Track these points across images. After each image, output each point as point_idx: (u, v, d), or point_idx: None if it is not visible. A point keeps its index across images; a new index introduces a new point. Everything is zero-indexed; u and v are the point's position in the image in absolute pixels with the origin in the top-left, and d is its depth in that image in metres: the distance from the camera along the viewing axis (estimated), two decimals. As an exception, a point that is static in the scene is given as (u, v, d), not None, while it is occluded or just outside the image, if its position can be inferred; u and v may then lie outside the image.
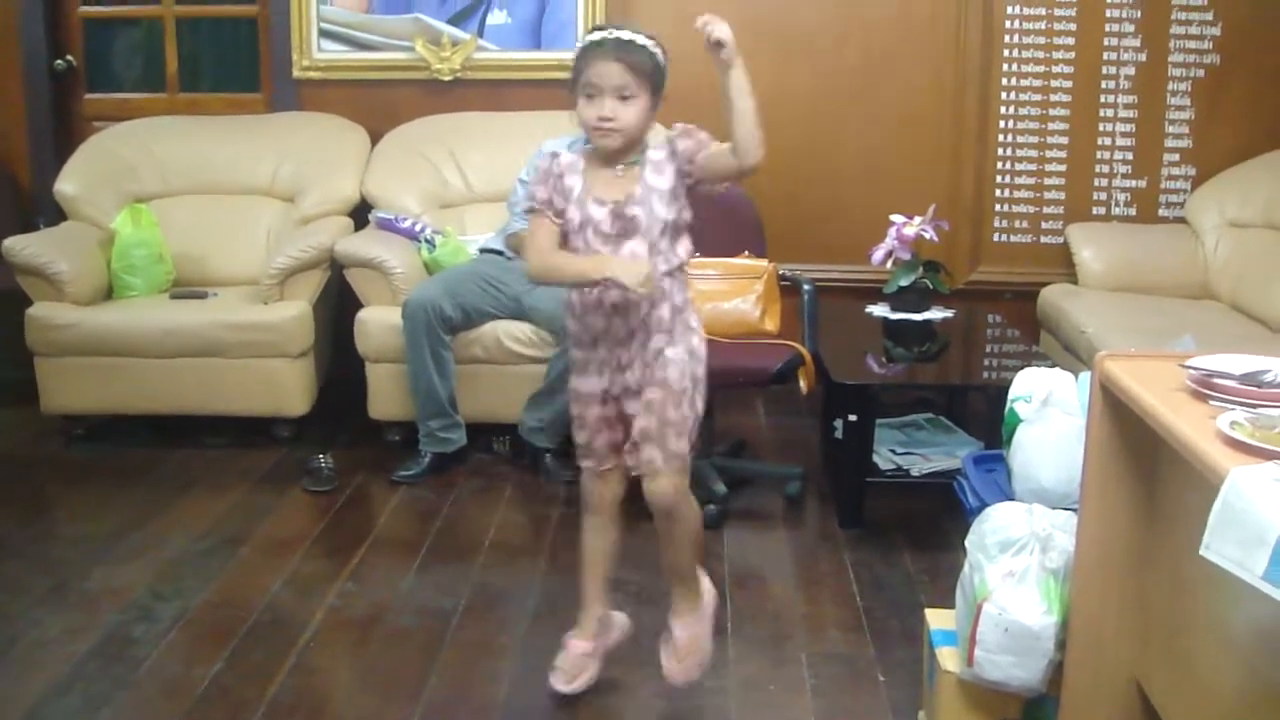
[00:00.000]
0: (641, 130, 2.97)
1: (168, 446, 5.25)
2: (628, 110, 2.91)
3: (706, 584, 3.40)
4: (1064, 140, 5.80)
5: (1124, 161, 5.79)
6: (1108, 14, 5.69)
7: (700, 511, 3.30)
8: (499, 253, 5.09)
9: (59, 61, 6.13)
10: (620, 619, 3.43)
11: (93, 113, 6.23)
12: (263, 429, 5.30)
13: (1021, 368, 3.32)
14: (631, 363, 3.07)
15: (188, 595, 3.91)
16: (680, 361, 3.07)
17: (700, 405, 3.15)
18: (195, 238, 5.68)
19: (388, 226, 5.39)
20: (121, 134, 5.93)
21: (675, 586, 3.32)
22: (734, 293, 4.69)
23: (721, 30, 2.80)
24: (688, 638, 3.28)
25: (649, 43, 2.96)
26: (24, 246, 5.19)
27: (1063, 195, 5.84)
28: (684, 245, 3.08)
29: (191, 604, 3.85)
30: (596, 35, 2.96)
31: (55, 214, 5.73)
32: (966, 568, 2.82)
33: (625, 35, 2.94)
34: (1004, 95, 5.78)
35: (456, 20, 5.88)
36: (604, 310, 3.04)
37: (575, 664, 3.29)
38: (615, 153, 2.98)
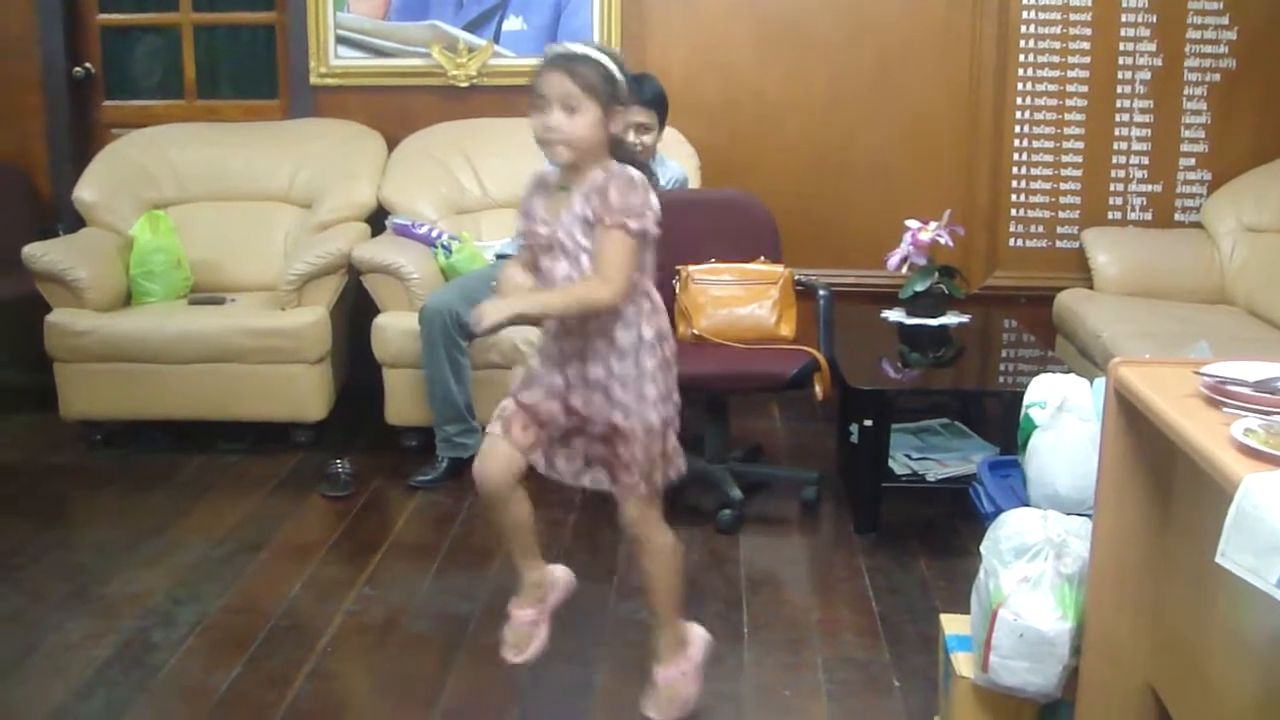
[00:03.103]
0: (591, 143, 2.93)
1: (186, 452, 5.27)
2: (574, 121, 2.89)
3: (696, 631, 3.35)
4: (1079, 145, 5.80)
5: (1140, 166, 5.79)
6: (1123, 19, 5.69)
7: (680, 548, 3.22)
8: (515, 258, 5.11)
9: (78, 69, 6.16)
10: (560, 572, 3.38)
11: (111, 120, 6.26)
12: (280, 434, 5.32)
13: (1037, 373, 3.32)
14: (584, 385, 3.05)
15: (206, 600, 3.93)
16: (625, 405, 3.03)
17: (672, 440, 3.10)
18: (213, 244, 5.71)
19: (404, 232, 5.41)
20: (140, 141, 5.96)
21: (656, 629, 3.27)
22: (749, 298, 4.70)
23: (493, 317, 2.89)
24: (664, 684, 3.23)
25: (601, 56, 2.93)
26: (43, 253, 5.22)
27: (1078, 200, 5.84)
28: None
29: (210, 609, 3.88)
30: (548, 50, 2.97)
31: (74, 221, 5.77)
32: (981, 573, 2.82)
33: (576, 48, 2.94)
34: (1019, 100, 5.79)
35: (472, 27, 5.90)
36: (553, 333, 3.08)
37: (523, 633, 3.25)
38: (569, 168, 2.96)
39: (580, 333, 3.02)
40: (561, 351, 3.06)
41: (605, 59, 2.94)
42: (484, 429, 4.90)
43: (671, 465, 3.10)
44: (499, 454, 3.10)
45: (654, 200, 2.96)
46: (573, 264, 2.97)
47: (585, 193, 2.94)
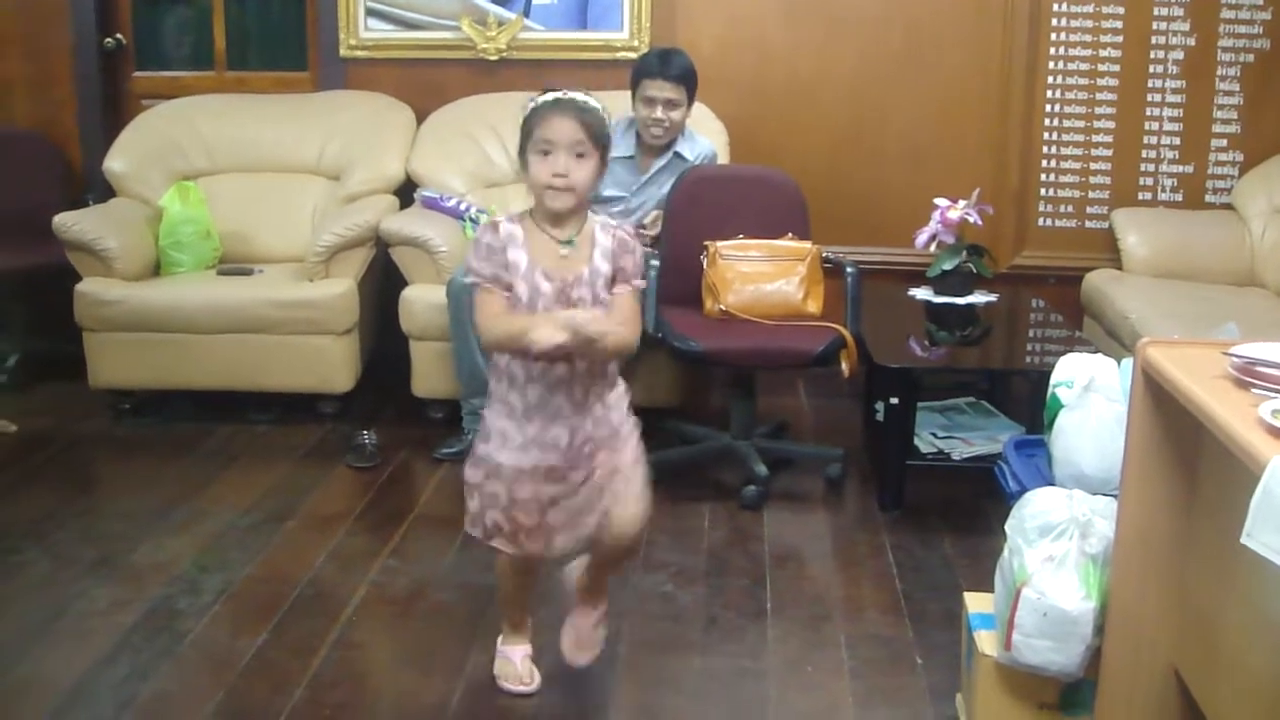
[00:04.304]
0: (589, 191, 2.95)
1: (214, 422, 5.30)
2: (581, 169, 2.89)
3: None
4: (1110, 125, 5.77)
5: (1171, 147, 5.76)
6: (1157, -3, 5.67)
7: None
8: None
9: (109, 40, 6.17)
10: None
11: (142, 90, 6.28)
12: (307, 405, 5.34)
13: (1064, 353, 3.31)
14: (583, 438, 3.03)
15: (232, 569, 3.96)
16: (631, 436, 3.12)
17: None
18: (242, 215, 5.73)
19: (433, 205, 5.42)
20: (170, 112, 5.98)
21: (592, 591, 3.36)
22: (777, 274, 4.70)
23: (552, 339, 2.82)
24: (591, 627, 3.36)
25: (598, 104, 2.94)
26: (74, 223, 5.24)
27: (1108, 180, 5.81)
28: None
29: (236, 578, 3.90)
30: (551, 96, 2.92)
31: (104, 191, 5.80)
32: (1006, 552, 2.83)
33: (579, 97, 2.92)
34: (1050, 79, 5.75)
35: (502, 0, 5.89)
36: (549, 381, 2.98)
37: (525, 669, 3.30)
38: (560, 218, 2.95)
39: (588, 376, 3.00)
40: (568, 402, 3.01)
41: (601, 107, 2.94)
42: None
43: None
44: (530, 560, 3.17)
45: None
46: None
47: (605, 252, 2.98)
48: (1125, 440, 2.55)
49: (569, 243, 2.96)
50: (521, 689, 3.27)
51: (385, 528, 4.30)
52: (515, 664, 3.30)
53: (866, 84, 5.80)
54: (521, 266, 2.94)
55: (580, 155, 2.89)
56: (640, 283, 3.05)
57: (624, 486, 3.06)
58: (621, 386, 3.13)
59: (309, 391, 5.32)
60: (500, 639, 3.36)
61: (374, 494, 4.62)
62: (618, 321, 2.96)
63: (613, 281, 3.00)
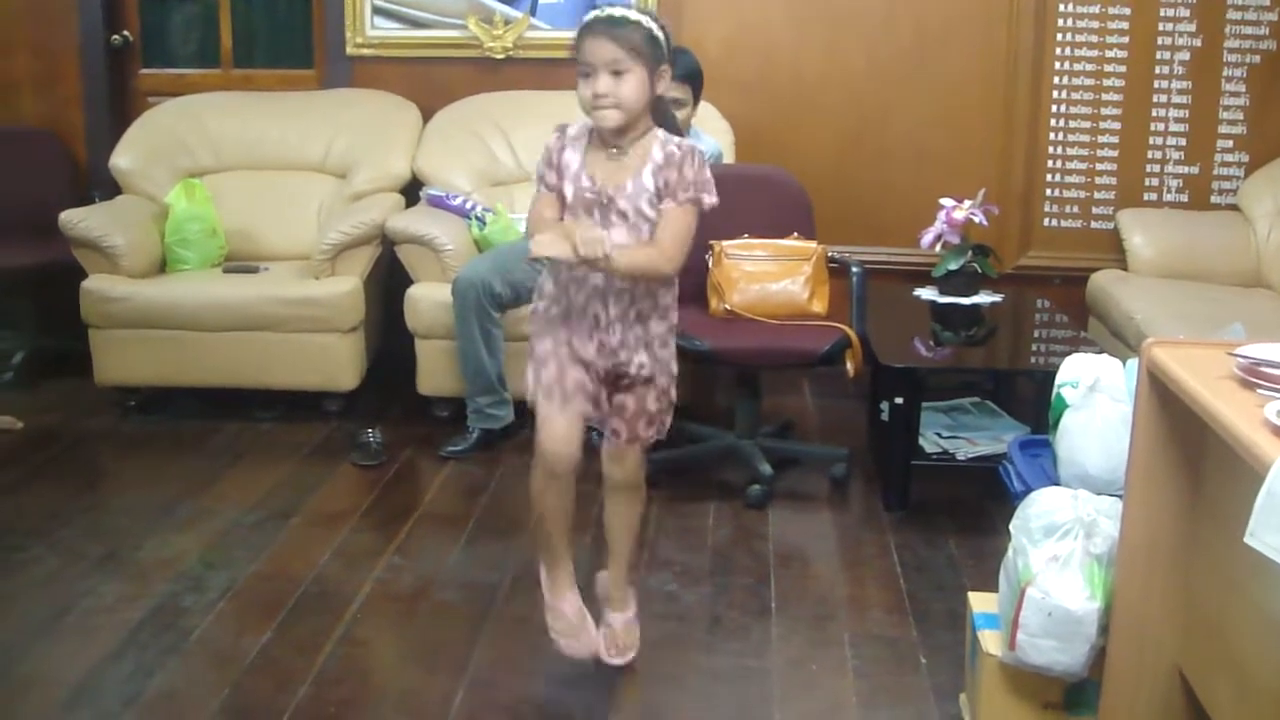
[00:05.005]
0: (640, 105, 2.97)
1: (219, 419, 5.30)
2: (622, 86, 2.92)
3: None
4: (1116, 125, 5.76)
5: (1177, 148, 5.75)
6: (1163, -2, 5.67)
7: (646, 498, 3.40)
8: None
9: (115, 37, 6.18)
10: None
11: (148, 88, 6.29)
12: (313, 403, 5.35)
13: (1069, 353, 3.31)
14: (616, 347, 3.10)
15: (238, 566, 3.96)
16: (664, 361, 3.17)
17: (674, 395, 3.25)
18: (248, 213, 5.73)
19: (439, 204, 5.42)
20: (176, 109, 5.99)
21: (615, 578, 3.40)
22: (782, 274, 4.70)
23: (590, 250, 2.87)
24: (624, 627, 3.39)
25: (642, 18, 2.96)
26: (80, 220, 5.25)
27: (1114, 180, 5.81)
28: None
29: (241, 575, 3.91)
30: (589, 16, 2.98)
31: (110, 188, 5.80)
32: (1010, 551, 2.83)
33: (617, 12, 2.95)
34: (1056, 79, 5.75)
35: (509, -1, 5.91)
36: (586, 290, 3.07)
37: (576, 622, 3.27)
38: (616, 132, 2.99)
39: (631, 296, 3.06)
40: (605, 314, 3.08)
41: (645, 19, 2.96)
42: (513, 401, 4.96)
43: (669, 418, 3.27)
44: (571, 432, 3.14)
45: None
46: (632, 232, 3.00)
47: (655, 168, 2.98)
48: (1130, 440, 2.55)
49: (617, 149, 3.01)
50: (575, 650, 3.26)
51: (390, 525, 4.31)
52: (568, 617, 3.26)
53: (872, 84, 5.80)
54: (573, 167, 3.04)
55: (619, 72, 2.91)
56: (687, 198, 3.00)
57: (648, 408, 3.18)
58: (667, 325, 3.16)
59: (314, 389, 5.32)
60: (545, 589, 3.34)
61: (379, 492, 4.62)
62: (660, 239, 2.99)
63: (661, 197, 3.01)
